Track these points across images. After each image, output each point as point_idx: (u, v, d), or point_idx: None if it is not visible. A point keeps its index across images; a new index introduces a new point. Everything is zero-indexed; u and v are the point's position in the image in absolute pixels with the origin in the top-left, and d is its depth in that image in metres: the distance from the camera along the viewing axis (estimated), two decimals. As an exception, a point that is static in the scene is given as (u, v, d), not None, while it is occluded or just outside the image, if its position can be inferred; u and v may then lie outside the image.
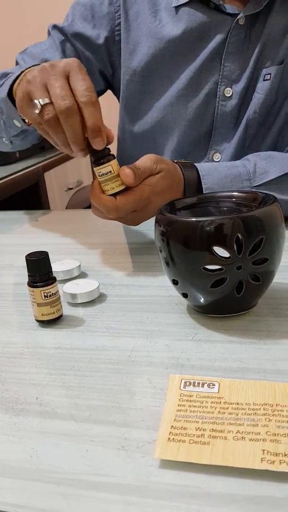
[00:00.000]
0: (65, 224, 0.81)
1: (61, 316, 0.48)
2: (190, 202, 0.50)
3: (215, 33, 0.74)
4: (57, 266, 0.57)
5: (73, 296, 0.51)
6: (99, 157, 0.55)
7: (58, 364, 0.41)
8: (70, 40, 0.81)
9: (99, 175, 0.56)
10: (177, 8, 0.75)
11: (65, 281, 0.55)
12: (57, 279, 0.49)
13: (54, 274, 0.49)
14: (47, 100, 0.53)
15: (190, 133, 0.79)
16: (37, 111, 0.54)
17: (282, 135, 0.79)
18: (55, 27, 0.82)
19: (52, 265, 0.57)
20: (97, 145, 0.53)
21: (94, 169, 0.56)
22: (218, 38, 0.74)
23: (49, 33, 0.83)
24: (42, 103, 0.53)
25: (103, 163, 0.55)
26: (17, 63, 0.85)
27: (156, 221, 0.46)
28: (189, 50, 0.76)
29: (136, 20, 0.78)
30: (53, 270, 0.55)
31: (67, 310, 0.50)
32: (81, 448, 0.32)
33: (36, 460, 0.31)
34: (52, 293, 0.46)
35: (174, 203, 0.49)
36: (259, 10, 0.72)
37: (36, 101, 0.54)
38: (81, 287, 0.52)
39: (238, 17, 0.72)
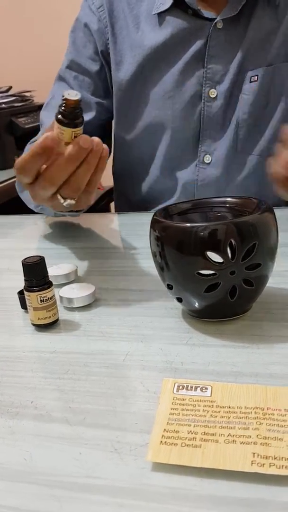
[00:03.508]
0: (63, 229, 0.81)
1: (57, 320, 0.49)
2: (185, 207, 0.51)
3: (195, 38, 0.76)
4: (54, 271, 0.58)
5: (70, 300, 0.52)
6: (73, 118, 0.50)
7: (53, 368, 0.42)
8: (81, 73, 0.85)
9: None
10: (157, 16, 0.77)
11: (62, 285, 0.56)
12: (54, 283, 0.50)
13: (51, 278, 0.49)
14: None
15: (178, 135, 0.81)
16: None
17: (279, 141, 0.80)
18: (67, 67, 0.86)
19: (49, 269, 0.58)
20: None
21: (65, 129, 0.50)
22: (198, 42, 0.76)
23: (60, 78, 0.87)
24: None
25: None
26: (41, 121, 0.89)
27: (151, 226, 0.47)
28: (171, 55, 0.78)
29: (121, 34, 0.81)
30: (50, 274, 0.56)
31: (63, 314, 0.51)
32: (74, 451, 0.32)
33: (30, 463, 0.32)
34: (48, 298, 0.47)
35: (168, 208, 0.50)
36: (235, 14, 0.73)
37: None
38: (78, 292, 0.53)
39: (215, 21, 0.75)
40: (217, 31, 0.75)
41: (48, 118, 0.85)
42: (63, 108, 0.49)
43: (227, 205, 0.50)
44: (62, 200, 0.54)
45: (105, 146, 0.52)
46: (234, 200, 0.50)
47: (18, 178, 0.54)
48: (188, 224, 0.44)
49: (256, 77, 0.77)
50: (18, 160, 0.51)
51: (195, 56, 0.77)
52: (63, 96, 0.49)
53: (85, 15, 0.83)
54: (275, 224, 0.45)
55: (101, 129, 0.89)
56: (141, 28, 0.79)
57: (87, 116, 0.85)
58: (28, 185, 0.54)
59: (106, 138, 0.90)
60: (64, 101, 0.49)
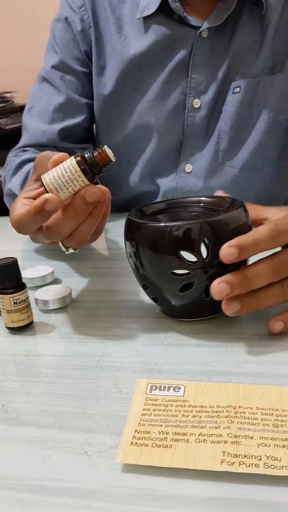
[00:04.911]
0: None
1: (31, 322, 0.48)
2: (160, 207, 0.51)
3: (179, 45, 0.75)
4: (30, 273, 0.57)
5: (45, 302, 0.51)
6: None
7: (26, 371, 0.41)
8: (67, 73, 0.82)
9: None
10: (141, 21, 0.76)
11: (38, 287, 0.55)
12: (30, 285, 0.50)
13: (26, 281, 0.49)
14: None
15: (161, 144, 0.80)
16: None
17: (261, 154, 0.79)
18: (52, 68, 0.82)
19: (25, 271, 0.57)
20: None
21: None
22: (183, 50, 0.75)
23: (43, 80, 0.84)
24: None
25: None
26: (23, 125, 0.85)
27: (125, 227, 0.46)
28: (155, 62, 0.76)
29: (104, 36, 0.79)
30: (26, 276, 0.56)
31: (39, 317, 0.50)
32: (43, 454, 0.32)
33: (-2, 467, 0.31)
34: (22, 300, 0.46)
35: (143, 209, 0.50)
36: (220, 23, 0.72)
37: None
38: (53, 293, 0.52)
39: (200, 30, 0.73)
40: (202, 40, 0.74)
41: (32, 123, 0.83)
42: (94, 159, 0.43)
43: (201, 204, 0.50)
44: (64, 249, 0.50)
45: (106, 190, 0.46)
46: (208, 199, 0.50)
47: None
48: (162, 224, 0.44)
49: (238, 89, 0.75)
50: (15, 215, 0.46)
51: (179, 65, 0.75)
52: (101, 147, 0.44)
53: (66, 14, 0.81)
54: (248, 222, 0.45)
55: (90, 131, 0.87)
56: (123, 32, 0.77)
57: (78, 118, 0.82)
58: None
59: (92, 140, 0.89)
60: (100, 154, 0.43)
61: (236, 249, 0.40)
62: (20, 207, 0.48)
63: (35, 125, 0.83)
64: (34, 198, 0.50)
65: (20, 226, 0.47)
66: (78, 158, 0.43)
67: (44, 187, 0.44)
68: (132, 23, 0.77)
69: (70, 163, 0.43)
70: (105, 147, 0.44)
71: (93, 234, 0.49)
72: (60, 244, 0.49)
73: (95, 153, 0.43)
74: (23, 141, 0.86)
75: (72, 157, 0.44)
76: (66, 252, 0.50)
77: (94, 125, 0.87)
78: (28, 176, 0.79)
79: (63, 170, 0.43)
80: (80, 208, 0.44)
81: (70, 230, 0.46)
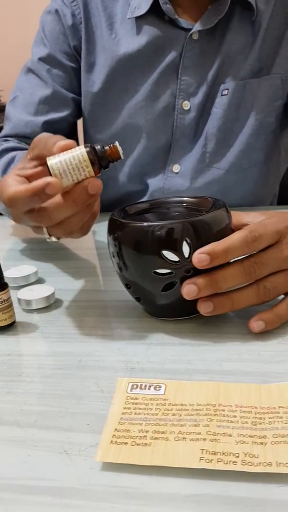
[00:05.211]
0: (24, 231, 0.80)
1: (14, 322, 0.48)
2: (143, 207, 0.51)
3: (170, 47, 0.75)
4: (13, 272, 0.57)
5: (28, 302, 0.51)
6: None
7: (7, 371, 0.41)
8: (55, 67, 0.81)
9: None
10: (132, 20, 0.75)
11: (21, 287, 0.55)
12: (14, 285, 0.50)
13: (10, 281, 0.49)
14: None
15: (149, 145, 0.80)
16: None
17: (248, 156, 0.79)
18: (40, 60, 0.81)
19: (8, 271, 0.57)
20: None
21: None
22: (173, 52, 0.75)
23: (29, 71, 0.83)
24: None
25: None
26: (6, 115, 0.84)
27: (109, 226, 0.47)
28: (145, 63, 0.76)
29: (95, 32, 0.78)
30: (9, 276, 0.56)
31: (22, 317, 0.50)
32: (23, 453, 0.32)
33: (-22, 467, 0.31)
34: (4, 299, 0.46)
35: (126, 208, 0.50)
36: (211, 26, 0.72)
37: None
38: (36, 293, 0.52)
39: (191, 32, 0.73)
40: (193, 42, 0.74)
41: (15, 113, 0.82)
42: (104, 153, 0.44)
43: (184, 204, 0.51)
44: (47, 235, 0.49)
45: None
46: (191, 199, 0.50)
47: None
48: (145, 224, 0.44)
49: (227, 91, 0.76)
50: (10, 191, 0.45)
51: (170, 66, 0.76)
52: (113, 143, 0.44)
53: (58, 6, 0.80)
54: (230, 222, 0.46)
55: (74, 126, 0.87)
56: (114, 30, 0.77)
57: (64, 112, 0.82)
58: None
59: (74, 135, 0.89)
60: (111, 149, 0.44)
61: (208, 256, 0.41)
62: (13, 183, 0.47)
63: (19, 115, 0.82)
64: (27, 177, 0.49)
65: (13, 203, 0.46)
66: (88, 149, 0.43)
67: (48, 169, 0.43)
68: (124, 22, 0.76)
69: (80, 151, 0.43)
70: (117, 143, 0.44)
71: (81, 228, 0.48)
72: (45, 230, 0.48)
73: (106, 147, 0.44)
74: (5, 131, 0.85)
75: (82, 146, 0.44)
76: (48, 240, 0.49)
77: (82, 122, 0.87)
78: (12, 162, 0.78)
79: (71, 157, 0.43)
80: (79, 197, 0.43)
81: (61, 218, 0.45)
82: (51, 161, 0.43)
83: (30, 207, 0.45)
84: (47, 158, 0.44)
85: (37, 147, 0.50)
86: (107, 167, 0.45)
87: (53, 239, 0.49)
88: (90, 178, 0.43)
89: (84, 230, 0.49)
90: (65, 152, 0.43)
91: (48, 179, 0.42)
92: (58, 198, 0.44)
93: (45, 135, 0.51)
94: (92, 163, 0.43)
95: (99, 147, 0.44)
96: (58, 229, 0.47)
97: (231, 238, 0.42)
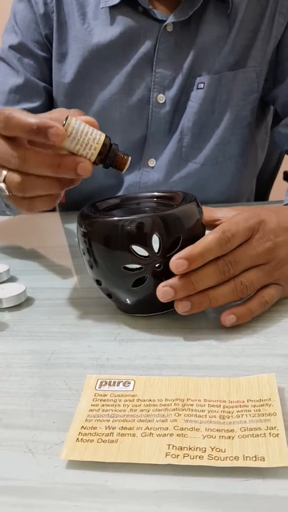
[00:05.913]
0: None
1: (-18, 321, 0.47)
2: (113, 203, 0.51)
3: (144, 38, 0.74)
4: (-16, 271, 0.56)
5: (-2, 300, 0.50)
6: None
7: (-26, 370, 0.40)
8: (26, 55, 0.79)
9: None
10: (105, 10, 0.74)
11: (-8, 286, 0.54)
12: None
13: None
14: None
15: (124, 138, 0.79)
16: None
17: (223, 150, 0.79)
18: (10, 48, 0.79)
19: (-22, 270, 0.56)
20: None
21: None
22: (147, 44, 0.74)
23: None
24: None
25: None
26: None
27: (78, 222, 0.46)
28: (119, 55, 0.75)
29: (67, 22, 0.77)
30: (-22, 275, 0.55)
31: (-9, 316, 0.49)
32: (-14, 454, 0.31)
33: None
34: (-29, 298, 0.45)
35: (96, 204, 0.49)
36: (186, 18, 0.72)
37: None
38: (7, 291, 0.51)
39: (165, 24, 0.73)
40: (167, 35, 0.73)
41: None
42: (115, 155, 0.45)
43: (155, 199, 0.50)
44: (3, 186, 0.44)
45: None
46: (161, 194, 0.50)
47: None
48: (114, 218, 0.43)
49: (202, 84, 0.75)
50: (12, 111, 0.42)
51: (144, 58, 0.75)
52: (128, 155, 0.46)
53: None
54: (201, 216, 0.45)
55: None
56: (87, 20, 0.75)
57: (36, 103, 0.79)
58: None
59: None
60: (122, 157, 0.45)
61: (186, 261, 0.41)
62: (19, 110, 0.44)
63: None
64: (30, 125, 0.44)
65: (8, 123, 0.42)
66: (107, 139, 0.44)
67: (64, 124, 0.42)
68: (97, 11, 0.75)
69: (99, 133, 0.44)
70: (129, 159, 0.46)
71: (43, 200, 0.46)
72: (4, 173, 0.44)
73: (119, 152, 0.45)
74: None
75: (103, 132, 0.44)
76: (1, 193, 0.45)
77: None
78: None
79: (90, 131, 0.43)
80: (66, 165, 0.42)
81: (34, 171, 0.43)
82: (72, 120, 0.42)
83: (19, 135, 0.42)
84: (69, 115, 0.43)
85: (59, 112, 0.48)
86: (105, 167, 0.45)
87: (2, 184, 0.44)
88: (87, 161, 0.43)
89: (44, 203, 0.46)
90: (88, 125, 0.43)
91: (57, 125, 0.41)
92: (46, 152, 0.43)
93: (70, 111, 0.49)
94: (100, 152, 0.43)
95: (115, 147, 0.45)
96: (17, 185, 0.44)
97: (205, 240, 0.42)
